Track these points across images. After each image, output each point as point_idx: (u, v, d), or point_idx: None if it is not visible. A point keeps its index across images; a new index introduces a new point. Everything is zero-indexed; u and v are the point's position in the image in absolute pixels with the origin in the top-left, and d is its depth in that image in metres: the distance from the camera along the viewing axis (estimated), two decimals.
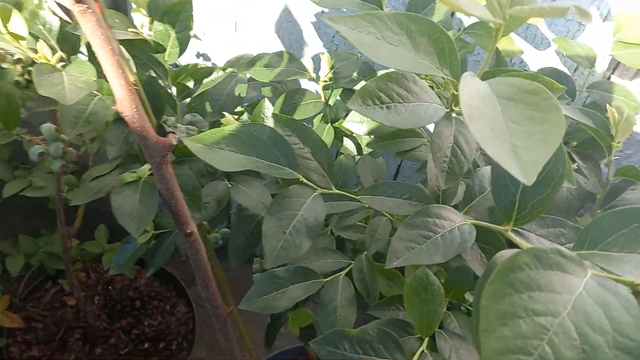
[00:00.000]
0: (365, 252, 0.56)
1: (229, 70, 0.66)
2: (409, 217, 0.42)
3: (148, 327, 1.15)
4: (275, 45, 1.08)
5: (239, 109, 0.88)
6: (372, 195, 0.50)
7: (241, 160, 0.43)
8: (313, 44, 1.06)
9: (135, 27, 0.62)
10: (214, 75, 0.65)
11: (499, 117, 0.31)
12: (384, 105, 0.42)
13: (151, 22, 0.62)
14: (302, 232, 0.43)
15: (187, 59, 1.14)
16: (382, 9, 0.59)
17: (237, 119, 0.89)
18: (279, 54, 0.71)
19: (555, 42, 0.88)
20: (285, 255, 0.42)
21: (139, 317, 1.17)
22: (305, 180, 0.47)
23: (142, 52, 0.63)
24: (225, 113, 0.66)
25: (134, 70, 0.58)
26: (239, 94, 0.79)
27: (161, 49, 0.63)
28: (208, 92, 0.72)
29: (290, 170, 0.45)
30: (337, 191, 0.50)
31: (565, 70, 0.96)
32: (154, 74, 0.64)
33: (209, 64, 1.15)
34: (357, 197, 0.51)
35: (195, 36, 1.10)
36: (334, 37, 1.04)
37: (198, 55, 1.14)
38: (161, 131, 0.62)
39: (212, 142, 0.44)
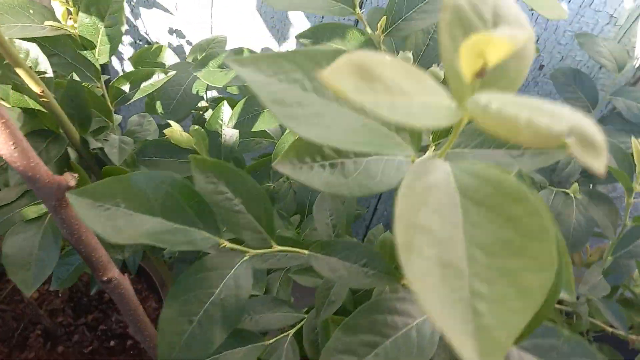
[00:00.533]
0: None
1: (171, 73, 0.54)
2: (351, 316, 0.32)
3: (115, 323, 1.09)
4: (256, 25, 0.95)
5: (203, 103, 0.77)
6: (322, 254, 0.40)
7: (141, 226, 0.33)
8: (299, 24, 0.93)
9: (56, 19, 0.51)
10: (155, 77, 0.54)
11: (458, 242, 0.20)
12: (327, 163, 0.31)
13: (76, 13, 0.51)
14: (217, 320, 0.34)
15: (160, 36, 1.02)
16: (355, 11, 0.47)
17: (200, 115, 0.78)
18: (238, 51, 0.59)
19: (578, 38, 0.75)
20: (188, 355, 0.32)
21: (107, 312, 1.10)
22: (229, 245, 0.37)
23: (65, 49, 0.52)
24: (170, 122, 0.55)
25: (50, 73, 0.48)
26: (197, 91, 0.68)
27: (89, 45, 0.52)
28: (162, 88, 0.61)
29: (207, 235, 0.35)
30: (278, 248, 0.40)
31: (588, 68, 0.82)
32: (82, 77, 0.54)
33: (182, 42, 1.03)
34: (306, 253, 0.41)
35: (167, 10, 0.98)
36: (322, 18, 0.91)
37: (171, 31, 1.02)
38: (86, 146, 0.52)
39: (106, 197, 0.34)
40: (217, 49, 0.84)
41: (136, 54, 0.85)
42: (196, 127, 0.62)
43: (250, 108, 0.60)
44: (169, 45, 1.06)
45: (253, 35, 0.97)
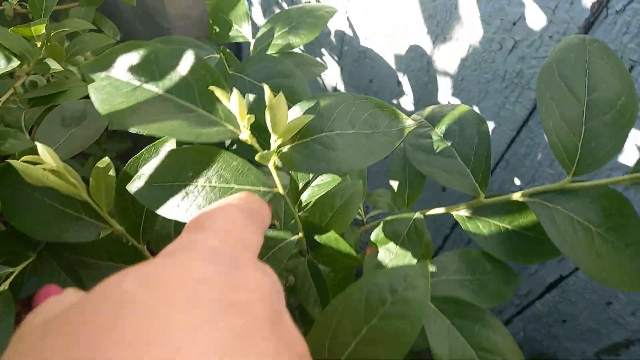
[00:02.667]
0: None
1: None
2: None
3: None
4: (409, 4, 0.60)
5: None
6: None
7: None
8: (469, 21, 0.55)
9: None
10: None
11: None
12: None
13: None
14: None
15: None
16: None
17: None
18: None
19: None
20: None
21: None
22: None
23: None
24: (38, 143, 0.28)
25: None
26: None
27: None
28: None
29: None
30: None
31: None
32: None
33: None
34: None
35: None
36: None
37: None
38: None
39: None
40: (310, 20, 0.52)
41: (213, 1, 0.59)
42: (104, 161, 0.34)
43: None
44: (296, 0, 0.77)
45: (398, 18, 0.63)
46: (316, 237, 0.37)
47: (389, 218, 0.39)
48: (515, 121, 0.58)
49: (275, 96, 0.28)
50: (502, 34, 0.53)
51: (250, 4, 0.90)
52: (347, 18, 0.71)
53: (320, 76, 0.85)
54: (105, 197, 0.35)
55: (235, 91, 0.27)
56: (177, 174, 0.30)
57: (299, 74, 0.42)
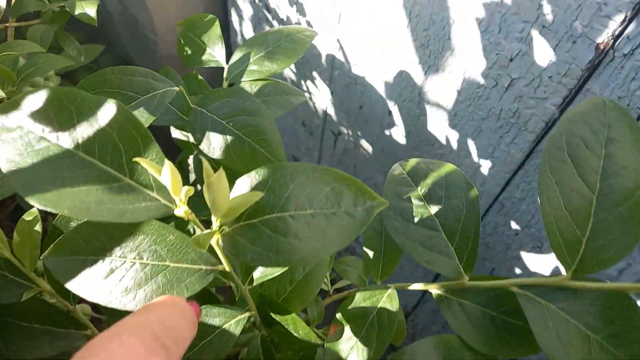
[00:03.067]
0: None
1: None
2: None
3: None
4: (399, 32, 0.56)
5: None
6: None
7: None
8: (463, 53, 0.51)
9: None
10: None
11: None
12: None
13: None
14: None
15: (281, 3, 0.69)
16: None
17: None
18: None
19: None
20: None
21: None
22: None
23: None
24: None
25: None
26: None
27: None
28: None
29: None
30: None
31: None
32: None
33: (302, 21, 0.68)
34: None
35: None
36: None
37: (292, 2, 0.68)
38: None
39: None
40: (288, 45, 0.48)
41: (185, 21, 0.55)
42: (31, 213, 0.30)
43: None
44: (287, 19, 0.73)
45: (389, 45, 0.58)
46: (272, 314, 0.33)
47: (358, 293, 0.35)
48: (510, 163, 0.53)
49: (215, 169, 0.23)
50: (497, 70, 0.48)
51: (241, 18, 0.86)
52: (338, 40, 0.66)
53: (311, 99, 0.80)
54: (30, 255, 0.31)
55: (167, 163, 0.23)
56: (100, 245, 0.26)
57: (267, 113, 0.38)
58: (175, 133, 0.52)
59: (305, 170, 0.25)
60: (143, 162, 0.22)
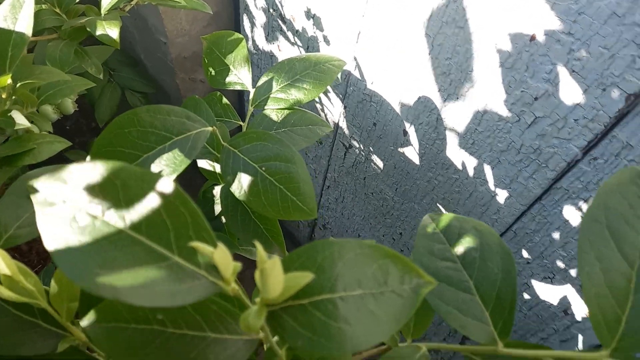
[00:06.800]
0: None
1: None
2: None
3: None
4: (420, 58, 0.55)
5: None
6: None
7: None
8: (483, 83, 0.51)
9: None
10: None
11: None
12: None
13: None
14: None
15: (296, 14, 0.68)
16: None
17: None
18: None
19: None
20: None
21: None
22: None
23: None
24: None
25: None
26: None
27: None
28: None
29: None
30: None
31: None
32: None
33: (318, 35, 0.68)
34: None
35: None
36: None
37: (309, 15, 0.67)
38: None
39: None
40: (316, 75, 0.47)
41: (211, 36, 0.54)
42: None
43: None
44: (302, 31, 0.72)
45: (408, 69, 0.58)
46: None
47: (390, 353, 0.35)
48: (527, 197, 0.53)
49: (268, 256, 0.23)
50: (521, 107, 0.48)
51: (253, 25, 0.84)
52: (355, 59, 0.66)
53: (323, 111, 0.80)
54: (67, 305, 0.31)
55: (220, 246, 0.22)
56: (142, 315, 0.26)
57: (300, 161, 0.37)
58: (201, 162, 0.51)
59: (354, 247, 0.24)
60: (198, 247, 0.22)
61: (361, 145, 0.76)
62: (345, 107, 0.74)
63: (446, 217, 0.35)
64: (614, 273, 0.27)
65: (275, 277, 0.22)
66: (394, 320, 0.23)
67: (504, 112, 0.50)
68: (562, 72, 0.43)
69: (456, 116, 0.56)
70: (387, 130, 0.68)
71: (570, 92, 0.43)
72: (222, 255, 0.22)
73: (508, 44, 0.46)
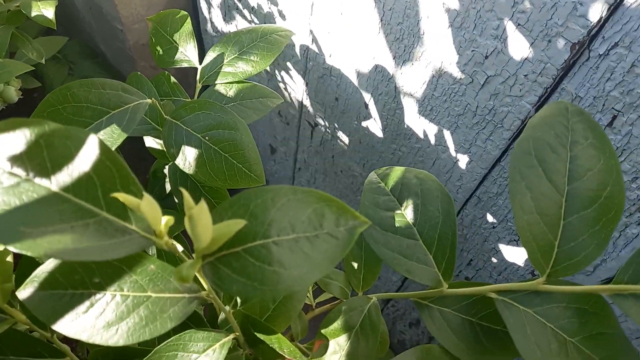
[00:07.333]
0: None
1: None
2: None
3: None
4: (372, 26, 0.54)
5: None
6: None
7: None
8: (434, 48, 0.50)
9: None
10: None
11: None
12: None
13: None
14: None
15: None
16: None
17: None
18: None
19: None
20: None
21: None
22: None
23: None
24: None
25: None
26: None
27: None
28: None
29: None
30: None
31: None
32: None
33: (273, 10, 0.66)
34: None
35: None
36: None
37: None
38: None
39: None
40: (263, 46, 0.46)
41: (155, 16, 0.53)
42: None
43: None
44: (258, 7, 0.71)
45: (363, 38, 0.57)
46: (256, 334, 0.32)
47: (341, 305, 0.34)
48: (486, 160, 0.53)
49: (198, 199, 0.22)
50: (473, 67, 0.48)
51: (209, 5, 0.83)
52: (311, 32, 0.65)
53: (286, 90, 0.79)
54: (2, 287, 0.30)
55: (145, 197, 0.21)
56: (78, 279, 0.25)
57: (244, 127, 0.37)
58: (149, 141, 0.50)
59: (287, 193, 0.24)
60: (121, 197, 0.21)
61: (326, 123, 0.75)
62: (307, 84, 0.73)
63: (389, 170, 0.35)
64: (545, 200, 0.27)
65: (204, 222, 0.21)
66: (329, 261, 0.23)
67: (458, 74, 0.50)
68: (509, 26, 0.43)
69: (413, 83, 0.55)
70: (349, 103, 0.67)
71: (518, 46, 0.43)
72: (149, 207, 0.21)
73: (455, 1, 0.45)
